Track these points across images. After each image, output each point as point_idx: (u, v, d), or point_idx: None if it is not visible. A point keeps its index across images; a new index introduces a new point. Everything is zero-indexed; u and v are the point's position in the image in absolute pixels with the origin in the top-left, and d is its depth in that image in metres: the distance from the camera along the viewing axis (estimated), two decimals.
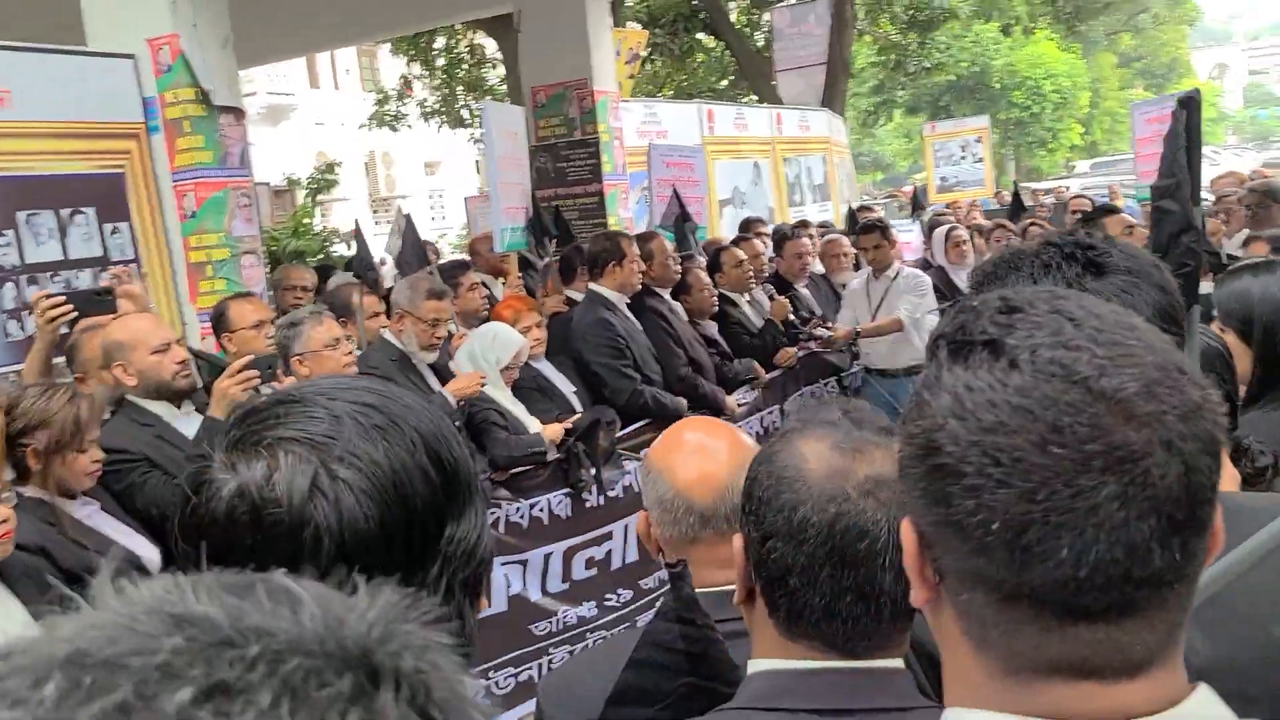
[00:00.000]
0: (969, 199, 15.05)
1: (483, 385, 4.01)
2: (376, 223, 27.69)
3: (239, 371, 2.97)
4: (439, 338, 4.01)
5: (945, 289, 6.61)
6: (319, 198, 12.40)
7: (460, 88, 17.04)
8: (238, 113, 5.09)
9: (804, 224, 7.42)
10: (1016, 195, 8.50)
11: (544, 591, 4.33)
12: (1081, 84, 28.18)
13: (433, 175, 30.88)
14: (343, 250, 12.56)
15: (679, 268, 5.43)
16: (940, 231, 6.99)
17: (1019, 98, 26.17)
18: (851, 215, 7.96)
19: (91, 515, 2.79)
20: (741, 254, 5.86)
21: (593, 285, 5.03)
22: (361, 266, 4.41)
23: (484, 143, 5.87)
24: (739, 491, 1.43)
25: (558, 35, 7.60)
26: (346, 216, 18.22)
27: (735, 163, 9.80)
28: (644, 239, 5.34)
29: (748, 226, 7.49)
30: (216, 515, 0.84)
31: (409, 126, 17.09)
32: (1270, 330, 2.15)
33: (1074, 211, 6.79)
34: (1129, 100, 37.08)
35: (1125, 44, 35.41)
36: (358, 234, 4.64)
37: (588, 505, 4.54)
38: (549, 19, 7.66)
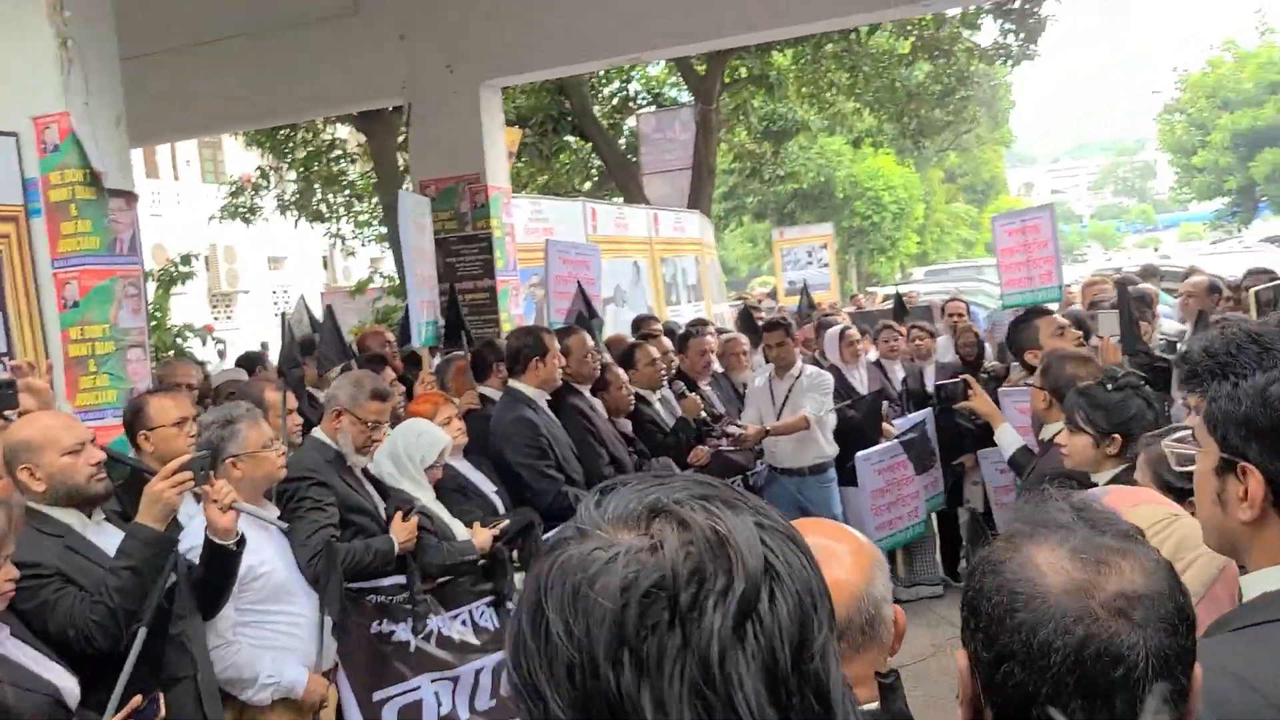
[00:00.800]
0: (828, 301, 15.63)
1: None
2: (216, 318, 26.54)
3: (173, 474, 2.67)
4: (376, 441, 3.75)
5: (841, 388, 6.72)
6: (172, 291, 11.76)
7: (318, 182, 16.70)
8: (129, 196, 4.74)
9: (703, 322, 7.45)
10: (899, 298, 8.80)
11: (472, 710, 4.03)
12: (916, 196, 29.99)
13: (278, 270, 29.96)
14: (196, 345, 11.91)
15: (598, 364, 5.32)
16: (834, 332, 7.12)
17: (861, 207, 27.59)
18: (746, 314, 8.05)
19: (2, 642, 2.42)
20: (655, 352, 5.80)
21: (512, 382, 4.86)
22: (288, 362, 4.11)
23: (399, 233, 5.65)
24: (873, 600, 1.31)
25: (451, 129, 7.51)
26: (185, 311, 17.39)
27: (617, 261, 9.85)
28: (563, 334, 5.22)
29: (640, 325, 7.46)
30: None
31: (265, 219, 16.57)
32: None
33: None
34: (954, 212, 39.70)
35: (951, 161, 37.98)
36: (285, 325, 4.33)
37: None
38: (440, 112, 7.58)
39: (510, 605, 4.32)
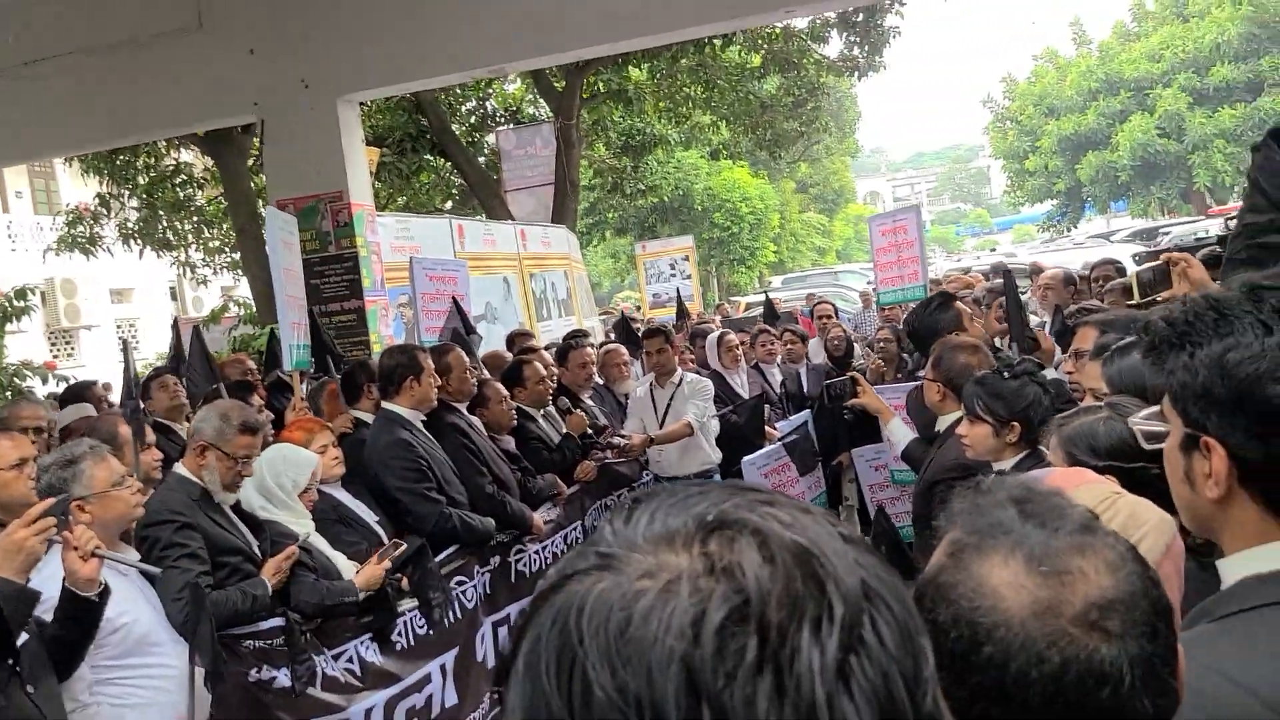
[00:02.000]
0: (696, 312, 15.75)
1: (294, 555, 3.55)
2: (56, 355, 24.96)
3: (35, 520, 2.40)
4: (244, 476, 3.49)
5: (723, 393, 6.71)
6: (7, 328, 10.95)
7: (163, 209, 15.88)
8: None
9: (582, 334, 7.34)
10: (769, 303, 8.89)
11: None
12: (772, 207, 30.64)
13: (123, 304, 28.41)
14: (36, 384, 11.11)
15: (475, 381, 5.15)
16: (713, 337, 7.12)
17: (719, 219, 28.01)
18: (624, 323, 7.98)
19: None
20: (542, 369, 5.66)
21: (386, 404, 4.64)
22: (127, 393, 3.79)
23: (268, 251, 5.36)
24: None
25: (308, 146, 7.21)
26: (23, 349, 16.28)
27: (486, 278, 9.66)
28: (440, 352, 5.02)
29: (515, 341, 7.31)
30: None
31: (107, 250, 15.63)
32: None
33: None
34: (807, 222, 40.78)
35: (803, 172, 39.02)
36: (125, 354, 4.00)
37: (398, 649, 4.08)
38: (296, 129, 7.27)
39: (398, 638, 4.12)
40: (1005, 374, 2.91)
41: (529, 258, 10.79)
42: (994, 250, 36.87)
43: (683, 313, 9.12)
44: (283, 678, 3.54)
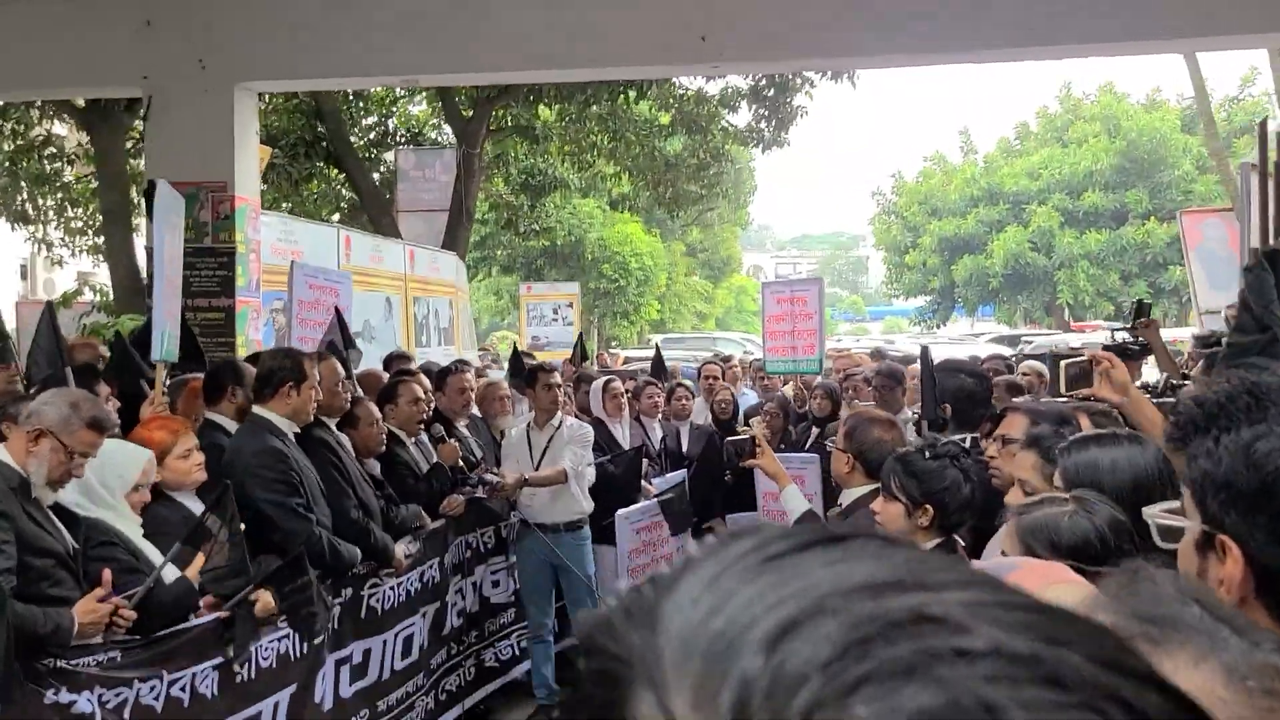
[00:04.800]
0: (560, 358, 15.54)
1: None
2: None
3: None
4: (75, 476, 3.09)
5: (603, 441, 6.50)
6: None
7: (26, 181, 14.88)
8: None
9: (465, 362, 7.03)
10: (659, 355, 8.73)
11: None
12: (661, 266, 30.80)
13: None
14: None
15: (349, 397, 4.80)
16: (598, 384, 6.92)
17: (608, 270, 27.96)
18: (516, 358, 7.70)
19: None
20: (420, 390, 5.34)
21: (258, 408, 4.26)
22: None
23: (153, 229, 4.91)
24: None
25: (197, 129, 6.77)
26: None
27: (368, 295, 9.24)
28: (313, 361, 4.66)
29: (392, 363, 6.95)
30: None
31: None
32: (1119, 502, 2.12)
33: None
34: (692, 285, 41.21)
35: (694, 237, 39.44)
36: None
37: (238, 680, 3.68)
38: (187, 110, 6.82)
39: (240, 670, 3.71)
40: (926, 454, 2.79)
41: (415, 280, 10.42)
42: (858, 339, 37.87)
43: (584, 355, 8.85)
44: (84, 702, 3.12)
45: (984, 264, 33.45)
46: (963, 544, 2.90)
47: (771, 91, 16.60)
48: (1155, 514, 1.31)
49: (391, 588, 4.82)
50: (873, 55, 7.16)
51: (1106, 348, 5.79)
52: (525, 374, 6.35)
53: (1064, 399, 2.97)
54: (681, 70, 9.74)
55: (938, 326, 39.60)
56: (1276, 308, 1.72)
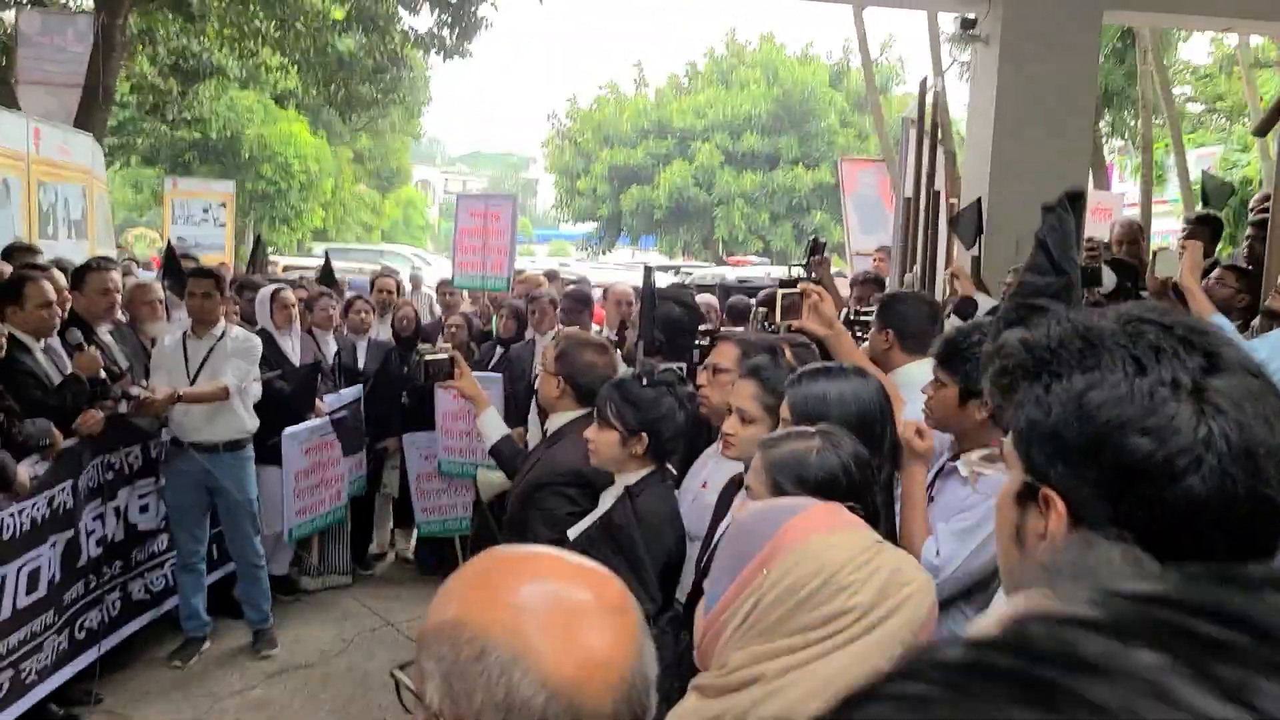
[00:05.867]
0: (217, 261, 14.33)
1: None
2: None
3: None
4: None
5: (271, 355, 6.00)
6: None
7: None
8: None
9: (109, 259, 6.17)
10: (328, 264, 8.16)
11: None
12: (327, 171, 29.08)
13: None
14: None
15: None
16: (266, 292, 6.35)
17: (268, 171, 25.97)
18: (171, 254, 6.86)
19: None
20: (50, 291, 4.59)
21: None
22: None
23: None
24: (645, 683, 0.89)
25: None
26: None
27: None
28: None
29: (14, 254, 5.99)
30: None
31: None
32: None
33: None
34: (358, 195, 39.46)
35: (362, 144, 37.59)
36: None
37: None
38: None
39: None
40: (644, 381, 2.73)
41: (41, 162, 9.02)
42: (532, 259, 38.20)
43: (259, 258, 8.05)
44: None
45: (650, 195, 34.62)
46: (674, 472, 2.90)
47: None
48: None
49: (12, 514, 4.17)
50: None
51: (781, 281, 6.11)
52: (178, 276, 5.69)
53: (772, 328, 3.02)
54: None
55: (604, 253, 40.70)
56: (1074, 253, 1.78)
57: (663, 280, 15.96)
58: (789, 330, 3.07)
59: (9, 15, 13.91)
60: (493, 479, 6.49)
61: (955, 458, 2.56)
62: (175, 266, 6.55)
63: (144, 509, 5.43)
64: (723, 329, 4.40)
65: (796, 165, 34.01)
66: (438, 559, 7.09)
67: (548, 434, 3.24)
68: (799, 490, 1.68)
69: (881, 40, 35.84)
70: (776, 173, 34.27)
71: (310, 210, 28.41)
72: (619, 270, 20.63)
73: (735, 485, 2.68)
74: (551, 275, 11.61)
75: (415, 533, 7.26)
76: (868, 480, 1.72)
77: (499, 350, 6.87)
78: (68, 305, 4.88)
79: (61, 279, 5.01)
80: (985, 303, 4.05)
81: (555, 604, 0.87)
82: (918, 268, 5.02)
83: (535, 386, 6.35)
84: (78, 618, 4.79)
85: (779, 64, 36.28)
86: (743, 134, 34.70)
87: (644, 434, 2.69)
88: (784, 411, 2.19)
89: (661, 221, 35.80)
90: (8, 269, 5.00)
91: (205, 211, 19.70)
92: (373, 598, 6.33)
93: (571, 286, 6.78)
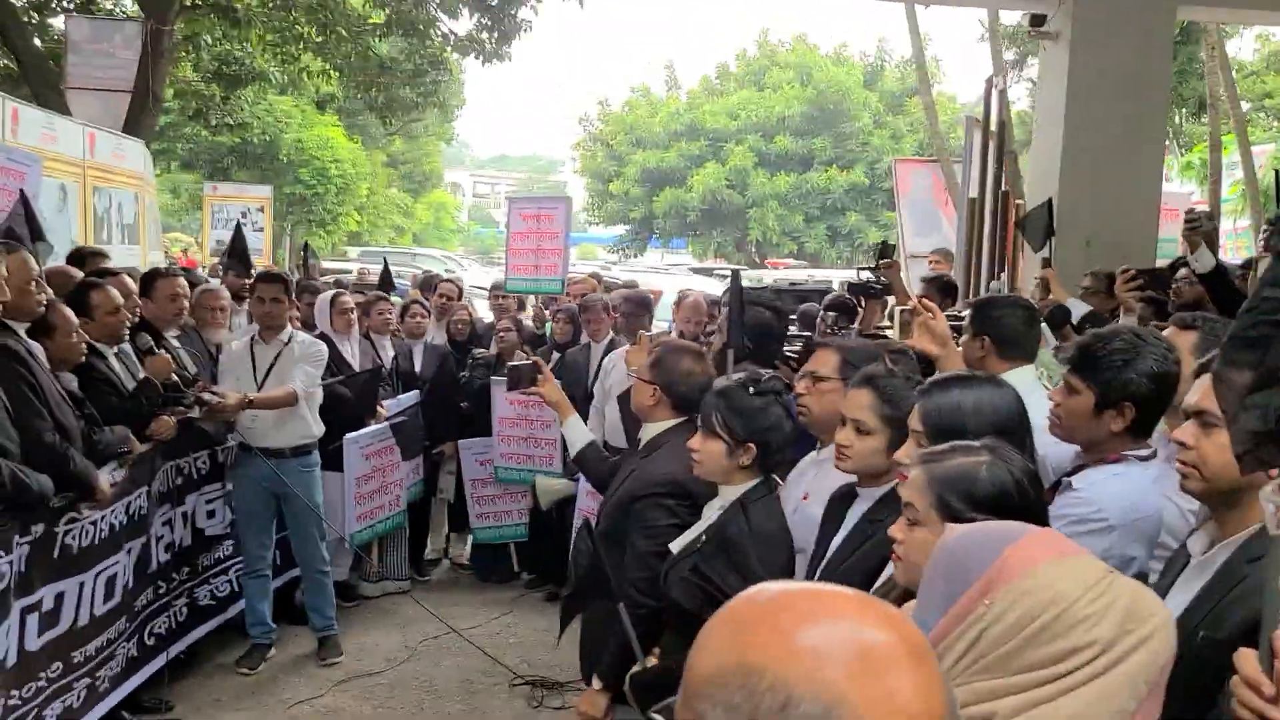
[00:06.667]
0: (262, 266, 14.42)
1: None
2: None
3: None
4: None
5: (333, 361, 5.99)
6: None
7: None
8: None
9: (176, 266, 6.19)
10: (386, 269, 8.15)
11: None
12: (363, 174, 29.20)
13: None
14: None
15: (44, 298, 4.04)
16: (325, 297, 6.35)
17: (305, 175, 26.11)
18: (238, 235, 6.86)
19: None
20: (118, 297, 4.59)
21: None
22: None
23: None
24: None
25: None
26: None
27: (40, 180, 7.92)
28: None
29: (86, 260, 6.00)
30: None
31: None
32: None
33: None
34: (391, 198, 39.64)
35: (396, 147, 37.74)
36: None
37: None
38: None
39: None
40: (750, 389, 2.66)
41: (96, 168, 9.09)
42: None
43: (308, 268, 8.05)
44: None
45: (684, 198, 34.51)
46: (780, 483, 2.83)
47: (495, 0, 16.01)
48: (1268, 494, 1.19)
49: (93, 522, 4.17)
50: None
51: (852, 285, 6.02)
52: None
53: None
54: None
55: (635, 255, 40.62)
56: None
57: (701, 284, 15.92)
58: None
59: (58, 22, 14.05)
60: (553, 485, 6.49)
61: (1075, 470, 2.48)
62: (242, 249, 6.55)
63: (211, 514, 5.43)
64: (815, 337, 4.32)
65: (830, 166, 33.80)
66: (494, 564, 7.07)
67: (642, 443, 3.17)
68: (968, 508, 1.61)
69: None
70: (810, 174, 34.07)
71: (346, 214, 28.54)
72: (651, 274, 20.55)
73: (843, 498, 2.62)
74: (595, 278, 11.61)
75: (470, 538, 7.23)
76: (1040, 497, 1.65)
77: (555, 355, 6.82)
78: (136, 311, 4.88)
79: (131, 284, 5.02)
80: (1078, 308, 3.95)
81: (859, 648, 0.79)
82: (1004, 274, 4.92)
83: (592, 391, 6.35)
84: (147, 624, 4.79)
85: (812, 64, 36.08)
86: (776, 135, 34.53)
87: (751, 444, 2.63)
88: (914, 423, 2.13)
89: (695, 224, 35.69)
90: (78, 275, 5.00)
91: (244, 215, 19.86)
92: (433, 603, 6.30)
93: (629, 290, 6.70)
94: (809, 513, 2.78)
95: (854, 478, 2.58)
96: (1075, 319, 3.90)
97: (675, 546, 2.72)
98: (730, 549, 2.48)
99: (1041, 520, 1.63)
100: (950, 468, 1.67)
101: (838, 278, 17.91)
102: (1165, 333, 2.63)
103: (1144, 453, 2.41)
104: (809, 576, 2.53)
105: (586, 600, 2.81)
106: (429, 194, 48.20)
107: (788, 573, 2.56)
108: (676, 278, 19.74)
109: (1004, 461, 1.66)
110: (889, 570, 2.18)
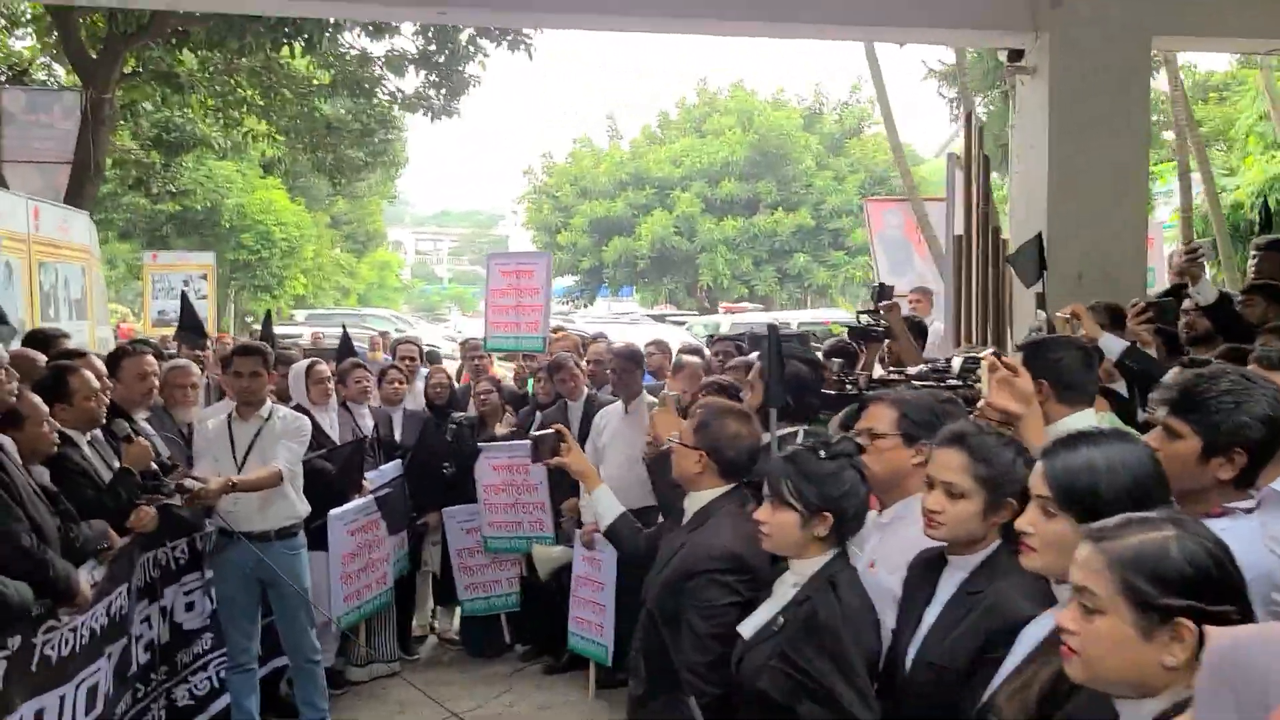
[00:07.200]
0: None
1: None
2: None
3: None
4: None
5: (313, 434, 5.68)
6: None
7: None
8: None
9: (145, 342, 5.86)
10: (346, 337, 7.83)
11: None
12: (309, 236, 28.77)
13: None
14: None
15: (14, 387, 3.73)
16: (300, 366, 6.06)
17: (249, 240, 25.63)
18: (185, 305, 6.53)
19: None
20: (94, 380, 4.28)
21: None
22: None
23: None
24: None
25: None
26: None
27: None
28: None
29: (49, 341, 5.64)
30: None
31: None
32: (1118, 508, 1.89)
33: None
34: (335, 259, 39.18)
35: (339, 208, 37.36)
36: None
37: None
38: None
39: None
40: (822, 453, 2.46)
41: (41, 242, 8.71)
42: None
43: (269, 338, 7.71)
44: None
45: (633, 246, 34.52)
46: (859, 553, 2.62)
47: (443, 58, 15.88)
48: None
49: (72, 629, 3.83)
50: (614, 14, 6.82)
51: (852, 329, 5.86)
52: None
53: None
54: (405, 14, 9.11)
55: (586, 305, 40.48)
56: None
57: (658, 331, 15.78)
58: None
59: None
60: (551, 554, 6.22)
61: None
62: (192, 320, 6.25)
63: (190, 606, 5.07)
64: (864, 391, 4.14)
65: (776, 209, 34.07)
66: (485, 637, 6.75)
67: (688, 513, 2.95)
68: (1159, 592, 1.42)
69: (850, 83, 36.14)
70: (757, 218, 34.30)
71: (292, 277, 28.06)
72: (613, 324, 20.39)
73: (927, 565, 2.42)
74: (558, 330, 11.38)
75: (458, 611, 6.91)
76: (1239, 572, 1.46)
77: (538, 415, 6.58)
78: (108, 394, 4.57)
79: (101, 365, 4.71)
80: (1114, 345, 3.83)
81: None
82: (1043, 313, 4.80)
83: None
84: None
85: (752, 109, 36.50)
86: (721, 181, 34.77)
87: (827, 513, 2.43)
88: (1038, 487, 1.94)
89: (645, 271, 35.68)
90: (41, 358, 4.67)
91: (186, 283, 19.40)
92: (424, 683, 5.96)
93: (619, 346, 6.48)
94: (877, 582, 2.57)
95: (936, 543, 2.39)
96: (1114, 356, 3.77)
97: (746, 629, 2.49)
98: (822, 633, 2.26)
99: (1242, 600, 1.45)
100: (1133, 545, 1.48)
101: (795, 320, 17.99)
102: (1252, 370, 2.48)
103: (1248, 504, 2.25)
104: (900, 653, 2.32)
105: (659, 696, 2.58)
106: (372, 253, 47.78)
107: (877, 652, 2.35)
108: (642, 327, 19.57)
109: (1193, 534, 1.47)
110: (1014, 657, 1.98)
